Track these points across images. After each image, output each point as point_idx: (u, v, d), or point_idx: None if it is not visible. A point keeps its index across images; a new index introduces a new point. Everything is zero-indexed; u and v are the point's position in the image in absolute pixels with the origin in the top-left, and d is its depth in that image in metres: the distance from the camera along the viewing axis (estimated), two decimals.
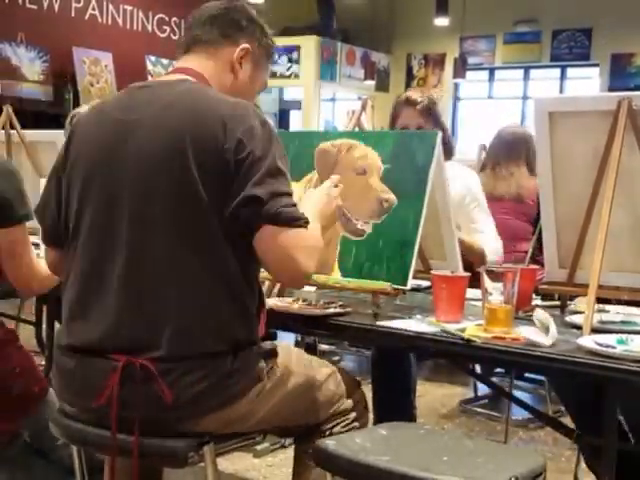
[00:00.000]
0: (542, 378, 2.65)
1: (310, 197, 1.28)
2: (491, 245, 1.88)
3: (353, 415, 1.30)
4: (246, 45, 1.21)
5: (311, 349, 3.01)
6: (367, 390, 2.13)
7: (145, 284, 1.10)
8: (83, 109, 2.31)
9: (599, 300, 1.31)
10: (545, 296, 1.48)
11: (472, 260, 1.59)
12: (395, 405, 1.89)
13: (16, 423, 1.53)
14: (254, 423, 1.18)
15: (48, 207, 1.21)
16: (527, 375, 2.78)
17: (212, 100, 1.13)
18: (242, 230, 1.08)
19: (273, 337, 1.28)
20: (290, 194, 1.10)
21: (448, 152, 1.93)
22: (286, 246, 1.06)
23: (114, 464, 1.14)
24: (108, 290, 1.11)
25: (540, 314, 1.16)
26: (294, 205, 1.09)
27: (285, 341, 1.43)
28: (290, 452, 2.22)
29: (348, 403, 1.30)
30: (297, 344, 2.53)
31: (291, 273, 1.09)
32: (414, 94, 1.94)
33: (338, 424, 1.28)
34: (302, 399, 1.24)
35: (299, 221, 1.08)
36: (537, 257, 1.56)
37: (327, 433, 1.26)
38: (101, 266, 1.13)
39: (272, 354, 1.20)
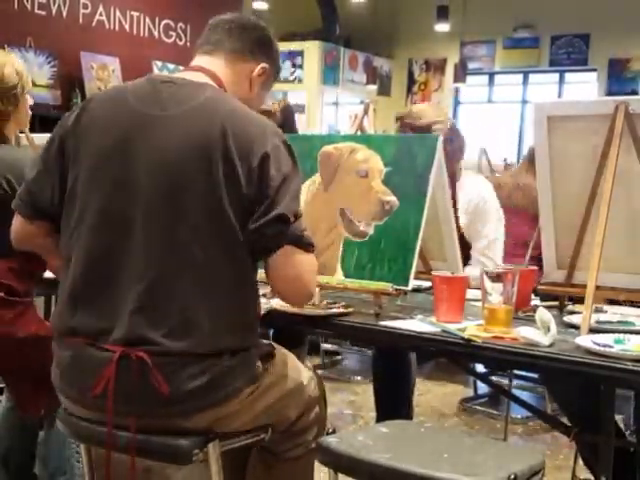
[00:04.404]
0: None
1: None
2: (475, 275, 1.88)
3: (314, 431, 1.28)
4: (265, 65, 1.26)
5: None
6: (369, 388, 2.15)
7: (155, 276, 1.09)
8: None
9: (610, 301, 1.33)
10: (544, 296, 1.50)
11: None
12: (395, 404, 1.91)
13: (49, 400, 1.53)
14: (240, 424, 1.17)
15: (48, 179, 1.17)
16: (526, 374, 2.80)
17: (241, 113, 1.15)
18: (260, 246, 1.12)
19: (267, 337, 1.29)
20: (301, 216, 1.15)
21: (457, 157, 1.96)
22: (301, 269, 1.13)
23: (109, 457, 1.13)
24: (117, 278, 1.10)
25: (543, 313, 1.17)
26: (306, 229, 1.14)
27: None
28: None
29: (315, 412, 1.29)
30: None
31: (300, 295, 1.17)
32: (418, 120, 1.92)
33: (299, 445, 1.26)
34: (289, 405, 1.23)
35: (312, 246, 1.14)
36: (540, 257, 1.58)
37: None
38: (111, 256, 1.11)
39: (269, 355, 1.20)
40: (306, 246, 1.13)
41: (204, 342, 1.09)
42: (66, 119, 1.20)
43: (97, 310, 1.12)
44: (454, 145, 1.95)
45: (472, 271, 1.62)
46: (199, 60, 1.25)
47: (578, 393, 1.46)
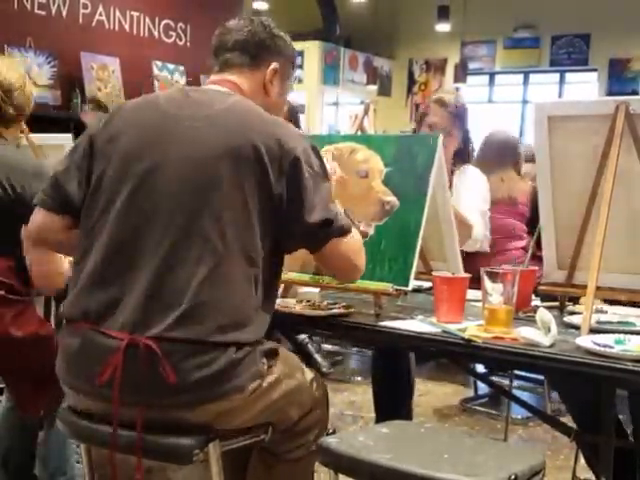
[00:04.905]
0: (541, 377, 2.68)
1: None
2: (479, 229, 1.95)
3: (315, 433, 1.28)
4: (275, 64, 1.28)
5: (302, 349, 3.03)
6: (369, 389, 2.14)
7: (174, 265, 1.11)
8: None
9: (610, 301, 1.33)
10: (544, 297, 1.50)
11: (459, 232, 1.64)
12: (395, 404, 1.91)
13: (49, 400, 1.55)
14: (241, 421, 1.17)
15: (76, 174, 1.21)
16: (527, 374, 2.81)
17: (267, 117, 1.20)
18: (309, 245, 1.20)
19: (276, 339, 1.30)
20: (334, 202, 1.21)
21: (465, 157, 2.03)
22: (347, 254, 1.21)
23: (114, 456, 1.14)
24: (135, 263, 1.12)
25: (543, 314, 1.17)
26: (340, 213, 1.20)
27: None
28: None
29: (317, 414, 1.29)
30: None
31: (352, 275, 1.26)
32: (447, 96, 2.01)
33: (302, 445, 1.27)
34: (291, 404, 1.23)
35: (351, 229, 1.21)
36: (537, 253, 1.59)
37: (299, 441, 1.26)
38: (132, 242, 1.14)
39: (273, 354, 1.21)
40: (347, 233, 1.20)
41: (212, 331, 1.10)
42: (97, 123, 1.25)
43: (111, 293, 1.14)
44: (467, 149, 2.04)
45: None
46: (217, 76, 1.28)
47: (583, 393, 1.46)
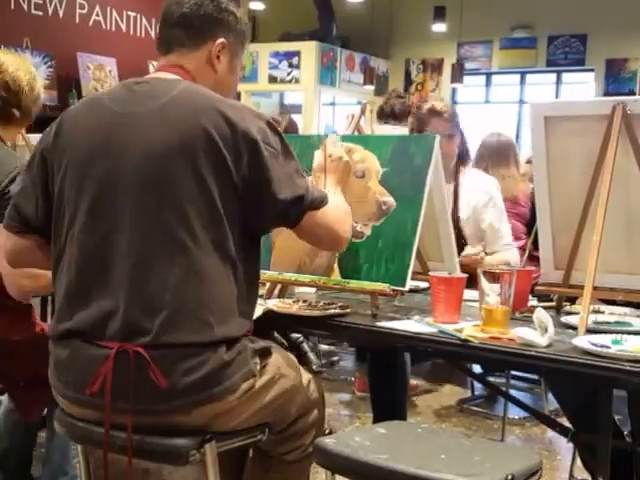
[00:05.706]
0: (538, 377, 2.68)
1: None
2: (515, 259, 2.01)
3: (312, 435, 1.27)
4: (222, 40, 1.21)
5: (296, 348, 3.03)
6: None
7: (147, 269, 1.09)
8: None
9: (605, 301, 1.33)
10: (541, 297, 1.50)
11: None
12: (392, 404, 1.91)
13: (46, 403, 1.55)
14: (237, 422, 1.16)
15: (32, 192, 1.19)
16: (524, 374, 2.81)
17: (216, 101, 1.14)
18: (284, 224, 1.18)
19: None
20: (304, 176, 1.19)
21: (464, 157, 2.10)
22: (325, 224, 1.19)
23: (107, 458, 1.13)
24: (109, 275, 1.11)
25: (541, 314, 1.17)
26: (311, 186, 1.19)
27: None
28: None
29: (314, 415, 1.28)
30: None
31: (335, 244, 1.24)
32: (438, 104, 2.07)
33: (298, 448, 1.26)
34: (286, 404, 1.23)
35: (326, 199, 1.20)
36: (534, 253, 1.61)
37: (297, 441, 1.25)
38: (102, 251, 1.12)
39: (265, 352, 1.20)
40: (322, 203, 1.18)
41: (198, 332, 1.08)
42: (46, 134, 1.21)
43: (92, 306, 1.12)
44: (465, 149, 2.11)
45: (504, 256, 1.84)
46: (163, 61, 1.23)
47: (578, 393, 1.46)
